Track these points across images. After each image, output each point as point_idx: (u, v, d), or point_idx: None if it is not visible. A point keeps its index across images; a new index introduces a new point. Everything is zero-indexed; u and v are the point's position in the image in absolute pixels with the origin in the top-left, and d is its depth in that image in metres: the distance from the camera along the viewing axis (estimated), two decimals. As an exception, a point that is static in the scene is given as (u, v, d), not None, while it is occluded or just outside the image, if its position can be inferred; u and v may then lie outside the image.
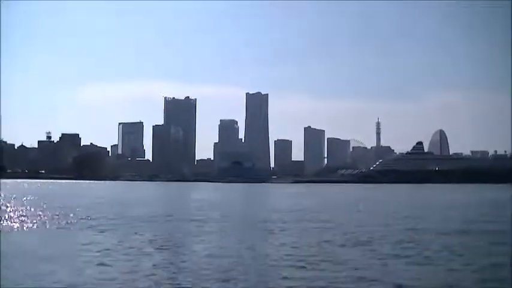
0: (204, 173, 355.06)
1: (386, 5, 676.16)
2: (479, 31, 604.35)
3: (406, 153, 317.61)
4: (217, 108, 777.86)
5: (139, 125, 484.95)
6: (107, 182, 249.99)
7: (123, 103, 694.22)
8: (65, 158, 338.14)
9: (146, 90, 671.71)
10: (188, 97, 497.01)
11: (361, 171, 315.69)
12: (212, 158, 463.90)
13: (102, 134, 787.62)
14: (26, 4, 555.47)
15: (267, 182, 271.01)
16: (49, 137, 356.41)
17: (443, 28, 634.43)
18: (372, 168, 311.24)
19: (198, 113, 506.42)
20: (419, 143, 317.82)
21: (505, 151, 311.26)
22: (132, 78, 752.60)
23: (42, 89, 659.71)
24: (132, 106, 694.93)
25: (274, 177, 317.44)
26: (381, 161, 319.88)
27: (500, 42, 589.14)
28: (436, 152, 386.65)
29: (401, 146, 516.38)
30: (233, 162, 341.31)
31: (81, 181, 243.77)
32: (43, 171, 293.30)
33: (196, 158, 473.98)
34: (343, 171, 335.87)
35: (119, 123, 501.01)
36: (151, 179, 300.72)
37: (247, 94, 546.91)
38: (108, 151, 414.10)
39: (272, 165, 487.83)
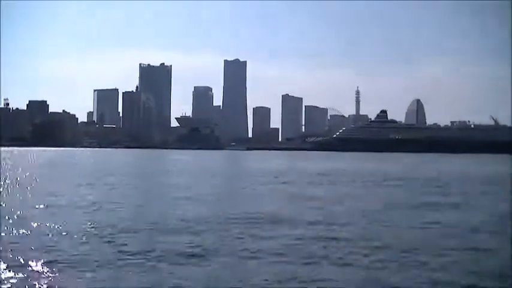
0: (175, 140, 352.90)
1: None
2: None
3: (370, 122, 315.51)
4: (195, 75, 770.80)
5: (114, 92, 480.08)
6: (63, 149, 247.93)
7: (101, 71, 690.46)
8: (28, 125, 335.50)
9: (125, 58, 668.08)
10: (163, 63, 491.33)
11: (323, 139, 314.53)
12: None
13: (79, 101, 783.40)
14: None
15: (224, 149, 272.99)
16: (7, 104, 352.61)
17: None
18: (334, 136, 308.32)
19: (174, 80, 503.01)
20: (383, 111, 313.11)
21: (468, 121, 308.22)
22: (112, 46, 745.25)
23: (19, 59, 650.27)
24: (111, 74, 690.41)
25: (233, 143, 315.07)
26: (344, 128, 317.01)
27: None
28: (413, 121, 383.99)
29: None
30: (191, 129, 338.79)
31: (34, 148, 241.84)
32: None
33: (171, 125, 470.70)
34: (313, 139, 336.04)
35: (94, 90, 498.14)
36: (111, 145, 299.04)
37: (225, 61, 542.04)
38: (77, 118, 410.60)
39: (250, 132, 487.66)
